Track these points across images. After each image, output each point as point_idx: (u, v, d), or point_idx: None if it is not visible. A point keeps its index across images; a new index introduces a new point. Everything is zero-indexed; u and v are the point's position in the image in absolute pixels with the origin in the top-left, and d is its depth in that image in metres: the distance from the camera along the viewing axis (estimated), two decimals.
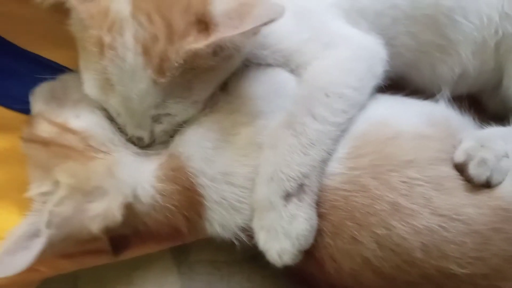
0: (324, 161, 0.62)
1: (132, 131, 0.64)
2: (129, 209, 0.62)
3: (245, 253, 0.66)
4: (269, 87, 0.66)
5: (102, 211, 0.60)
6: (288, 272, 0.63)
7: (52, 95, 0.67)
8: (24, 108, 0.69)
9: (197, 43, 0.56)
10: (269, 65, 0.67)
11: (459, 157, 0.62)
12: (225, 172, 0.63)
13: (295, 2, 0.65)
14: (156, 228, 0.65)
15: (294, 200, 0.60)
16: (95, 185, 0.60)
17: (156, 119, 0.63)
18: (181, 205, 0.64)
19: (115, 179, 0.61)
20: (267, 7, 0.56)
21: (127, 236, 0.68)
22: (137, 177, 0.63)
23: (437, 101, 0.70)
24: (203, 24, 0.56)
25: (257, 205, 0.62)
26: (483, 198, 0.61)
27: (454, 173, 0.62)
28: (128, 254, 0.70)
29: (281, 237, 0.60)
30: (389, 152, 0.62)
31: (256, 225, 0.62)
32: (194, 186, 0.63)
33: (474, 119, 0.69)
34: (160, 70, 0.57)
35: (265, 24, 0.56)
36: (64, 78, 0.69)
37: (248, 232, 0.64)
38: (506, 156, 0.62)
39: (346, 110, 0.63)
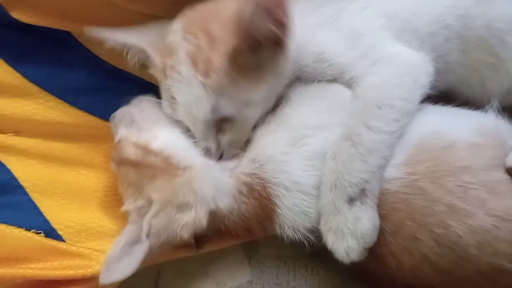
0: (382, 167, 0.65)
1: (201, 143, 0.70)
2: (212, 215, 0.67)
3: (309, 249, 0.69)
4: (331, 102, 0.70)
5: (191, 220, 0.66)
6: (349, 267, 0.66)
7: (131, 119, 0.72)
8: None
9: (231, 42, 0.61)
10: (328, 81, 0.71)
11: (510, 162, 0.64)
12: (296, 181, 0.67)
13: (347, 25, 0.69)
14: (233, 228, 0.70)
15: (357, 203, 0.64)
16: (181, 200, 0.66)
17: (218, 128, 0.68)
18: (256, 212, 0.69)
19: (197, 194, 0.66)
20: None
21: (208, 234, 0.73)
22: (216, 190, 0.67)
23: (486, 111, 0.71)
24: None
25: (324, 209, 0.66)
26: None
27: (506, 177, 0.64)
28: (206, 248, 0.76)
29: (348, 237, 0.64)
30: (444, 159, 0.65)
31: (323, 228, 0.66)
32: (270, 196, 0.68)
33: None
34: (206, 73, 0.63)
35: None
36: (138, 102, 0.74)
37: (316, 233, 0.68)
38: None
39: (398, 119, 0.66)
